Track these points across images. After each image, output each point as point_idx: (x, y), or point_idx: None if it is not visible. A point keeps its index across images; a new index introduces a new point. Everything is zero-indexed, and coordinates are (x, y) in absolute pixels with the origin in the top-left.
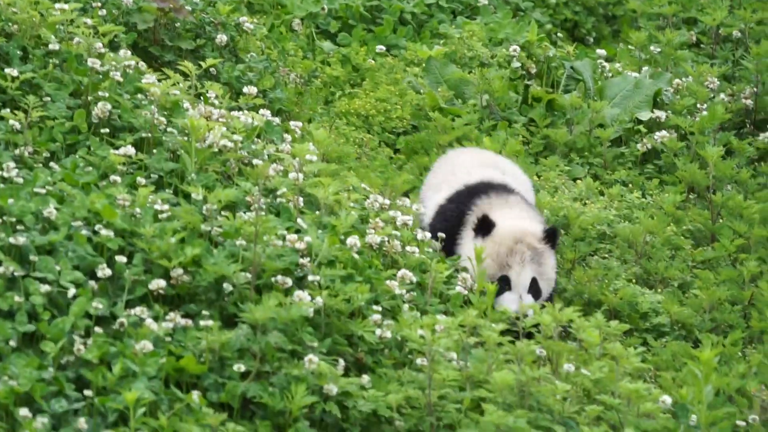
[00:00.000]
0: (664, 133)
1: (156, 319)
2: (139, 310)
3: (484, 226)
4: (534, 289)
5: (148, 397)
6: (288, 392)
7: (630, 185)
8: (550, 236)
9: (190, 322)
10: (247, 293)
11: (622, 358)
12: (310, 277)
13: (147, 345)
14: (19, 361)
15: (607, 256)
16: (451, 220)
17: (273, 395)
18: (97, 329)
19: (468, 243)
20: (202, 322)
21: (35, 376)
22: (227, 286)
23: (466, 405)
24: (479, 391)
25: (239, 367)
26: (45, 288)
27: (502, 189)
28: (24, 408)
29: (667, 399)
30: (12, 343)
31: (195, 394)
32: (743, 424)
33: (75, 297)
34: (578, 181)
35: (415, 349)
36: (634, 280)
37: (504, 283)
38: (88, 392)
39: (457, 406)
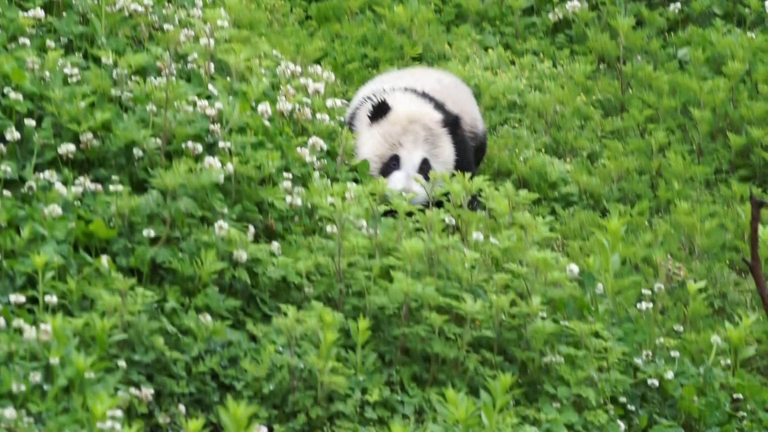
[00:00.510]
0: (575, 2)
1: (65, 183)
2: (48, 174)
3: (380, 110)
4: (425, 170)
5: (57, 261)
6: (197, 258)
7: (541, 55)
8: (450, 123)
9: (99, 186)
10: (157, 159)
11: (531, 227)
12: (221, 144)
13: (56, 209)
14: None
15: (517, 125)
16: (347, 118)
17: (182, 261)
18: (6, 192)
19: (361, 131)
20: (111, 187)
21: None
22: (137, 152)
23: (376, 272)
24: (388, 259)
25: (149, 232)
26: None
27: (410, 90)
28: None
29: (575, 268)
30: None
31: (104, 259)
32: (648, 292)
33: None
34: (489, 51)
35: (325, 216)
36: (543, 150)
37: (394, 162)
38: None
39: (366, 273)
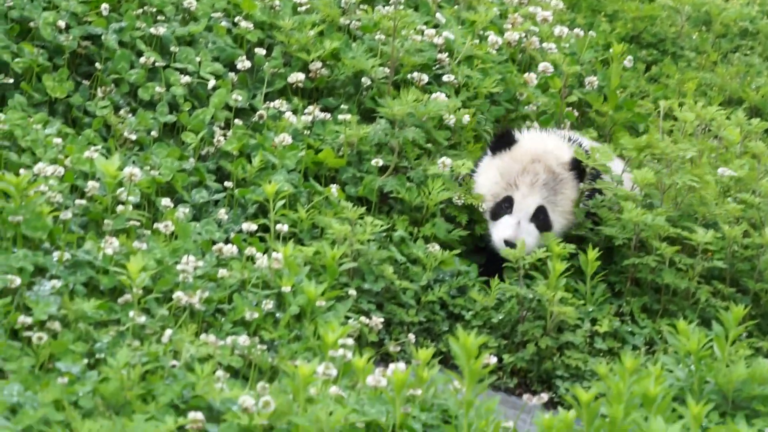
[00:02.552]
0: None
1: (295, 112)
2: (278, 103)
3: (502, 141)
4: (541, 219)
5: (288, 190)
6: (425, 187)
7: None
8: (577, 166)
9: (328, 115)
10: (384, 88)
11: (764, 157)
12: (445, 78)
13: (286, 138)
14: (160, 151)
15: (749, 53)
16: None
17: (410, 190)
18: (237, 121)
19: (482, 164)
20: (340, 116)
21: (176, 166)
22: (365, 81)
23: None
24: (618, 189)
25: (377, 161)
26: (185, 79)
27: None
28: (165, 198)
29: None
30: (153, 133)
31: (333, 188)
32: None
33: (215, 88)
34: None
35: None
36: None
37: (506, 205)
38: (228, 183)
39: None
